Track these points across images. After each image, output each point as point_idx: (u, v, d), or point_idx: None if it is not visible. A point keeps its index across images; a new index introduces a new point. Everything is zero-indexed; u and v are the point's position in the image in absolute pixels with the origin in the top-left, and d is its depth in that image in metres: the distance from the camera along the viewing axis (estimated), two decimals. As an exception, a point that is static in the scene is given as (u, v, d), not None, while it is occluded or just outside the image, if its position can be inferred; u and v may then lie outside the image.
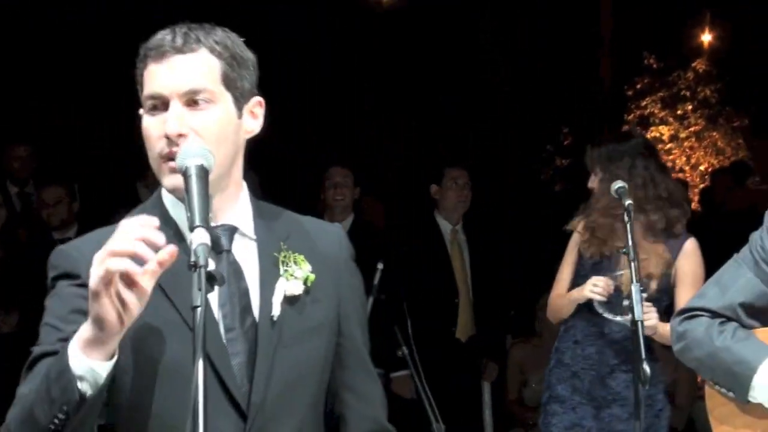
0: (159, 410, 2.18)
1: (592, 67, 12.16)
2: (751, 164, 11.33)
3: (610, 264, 4.69)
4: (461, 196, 6.74)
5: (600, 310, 4.60)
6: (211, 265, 1.98)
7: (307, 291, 2.30)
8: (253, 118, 2.34)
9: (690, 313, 3.16)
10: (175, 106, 2.21)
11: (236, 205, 2.33)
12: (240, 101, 2.29)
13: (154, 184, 2.36)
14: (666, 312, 4.51)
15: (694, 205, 11.42)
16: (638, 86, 13.67)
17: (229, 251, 2.27)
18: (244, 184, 2.37)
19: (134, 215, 2.15)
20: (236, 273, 2.28)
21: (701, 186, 12.63)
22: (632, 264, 4.12)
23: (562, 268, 4.91)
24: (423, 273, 6.59)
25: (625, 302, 4.19)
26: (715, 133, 13.64)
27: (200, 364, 1.91)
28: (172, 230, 2.25)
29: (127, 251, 1.97)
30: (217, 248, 2.21)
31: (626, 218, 4.20)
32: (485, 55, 12.50)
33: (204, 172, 2.13)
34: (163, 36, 2.26)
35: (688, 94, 13.62)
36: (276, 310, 2.26)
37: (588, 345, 4.70)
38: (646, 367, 3.99)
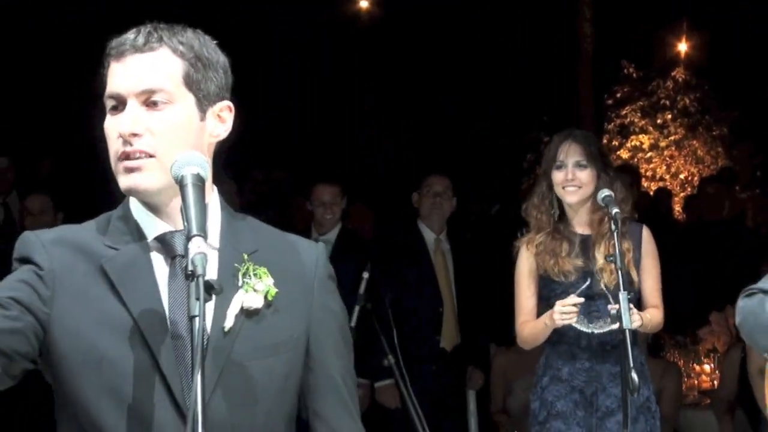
0: (91, 402, 2.11)
1: (571, 76, 12.16)
2: (736, 170, 11.36)
3: (565, 276, 4.63)
4: (435, 204, 6.70)
5: (579, 327, 4.56)
6: (210, 275, 1.96)
7: (268, 305, 2.21)
8: (220, 122, 2.27)
9: (749, 291, 3.41)
10: (132, 105, 2.17)
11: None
12: (204, 103, 2.23)
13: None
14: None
15: (677, 213, 11.45)
16: (618, 95, 13.71)
17: (183, 257, 2.13)
18: (215, 191, 2.30)
19: (109, 215, 2.23)
20: None
21: (681, 194, 12.68)
22: (619, 272, 4.10)
23: (519, 292, 4.74)
24: (407, 282, 6.56)
25: (612, 311, 4.16)
26: (695, 142, 13.66)
27: (198, 377, 1.87)
28: (132, 230, 2.23)
29: None
30: (171, 253, 2.20)
31: (613, 227, 4.18)
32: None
33: (200, 181, 2.08)
34: (127, 35, 2.21)
35: (667, 103, 13.65)
36: (229, 322, 2.17)
37: (585, 359, 4.61)
38: (635, 376, 3.99)
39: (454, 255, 6.75)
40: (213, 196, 2.28)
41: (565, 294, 4.56)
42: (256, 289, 2.20)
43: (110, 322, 2.13)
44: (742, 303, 3.43)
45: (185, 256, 2.02)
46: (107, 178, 2.26)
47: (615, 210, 4.21)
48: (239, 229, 2.30)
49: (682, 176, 13.46)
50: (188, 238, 1.98)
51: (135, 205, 2.25)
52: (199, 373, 1.87)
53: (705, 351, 7.00)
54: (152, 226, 2.23)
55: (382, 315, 5.85)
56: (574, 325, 4.51)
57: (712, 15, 12.64)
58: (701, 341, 7.03)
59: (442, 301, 6.63)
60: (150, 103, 2.16)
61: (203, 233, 1.99)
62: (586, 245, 4.63)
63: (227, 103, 2.28)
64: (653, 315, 4.54)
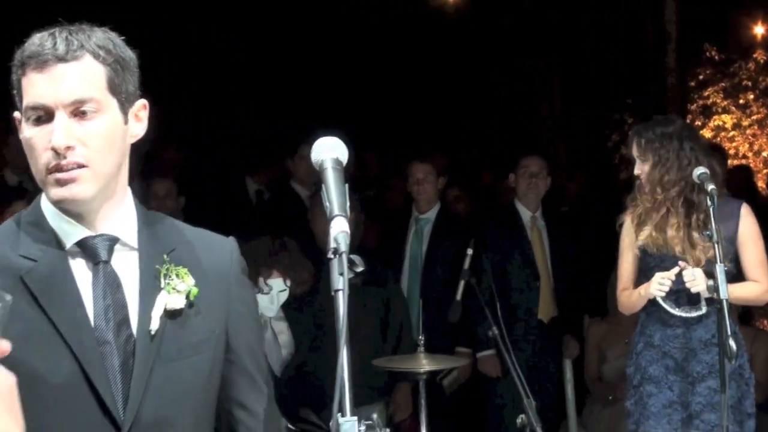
0: (24, 417, 1.94)
1: (657, 60, 12.04)
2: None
3: (668, 252, 4.65)
4: (531, 184, 6.72)
5: (664, 306, 4.59)
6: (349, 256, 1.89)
7: (190, 305, 2.16)
8: (138, 121, 2.18)
9: None
10: (61, 117, 2.04)
11: (120, 214, 2.17)
12: (125, 106, 2.13)
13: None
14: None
15: (761, 189, 11.30)
16: (700, 77, 13.54)
17: (106, 262, 2.12)
18: (129, 191, 2.21)
19: (15, 221, 2.10)
20: (113, 285, 2.12)
21: (764, 171, 12.53)
22: (716, 246, 4.12)
23: (621, 262, 4.83)
24: (506, 258, 6.61)
25: (710, 282, 4.19)
26: (776, 121, 13.47)
27: (344, 352, 1.82)
28: (49, 238, 2.12)
29: None
30: (93, 259, 2.12)
31: (709, 202, 4.20)
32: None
33: (339, 165, 2.06)
34: (42, 42, 2.07)
35: (749, 83, 13.45)
36: (155, 324, 2.11)
37: (676, 326, 4.65)
38: (732, 344, 4.01)
39: (549, 232, 6.78)
40: (127, 196, 2.20)
41: (657, 267, 4.60)
42: (178, 290, 2.14)
43: (36, 336, 2.03)
44: None
45: (103, 261, 2.05)
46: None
47: (711, 186, 4.23)
48: (156, 228, 2.22)
49: (765, 154, 13.28)
50: (331, 218, 1.96)
51: (50, 211, 2.14)
52: (344, 348, 1.81)
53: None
54: (72, 233, 2.12)
55: (487, 288, 5.94)
56: (661, 303, 4.55)
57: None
58: (790, 310, 6.99)
59: (539, 275, 6.66)
60: (79, 113, 2.05)
61: (344, 213, 1.97)
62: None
63: (143, 101, 2.19)
64: (751, 289, 4.54)
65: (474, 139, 13.21)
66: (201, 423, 2.21)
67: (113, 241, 2.14)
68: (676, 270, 4.51)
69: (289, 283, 4.90)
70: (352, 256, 1.93)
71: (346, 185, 2.05)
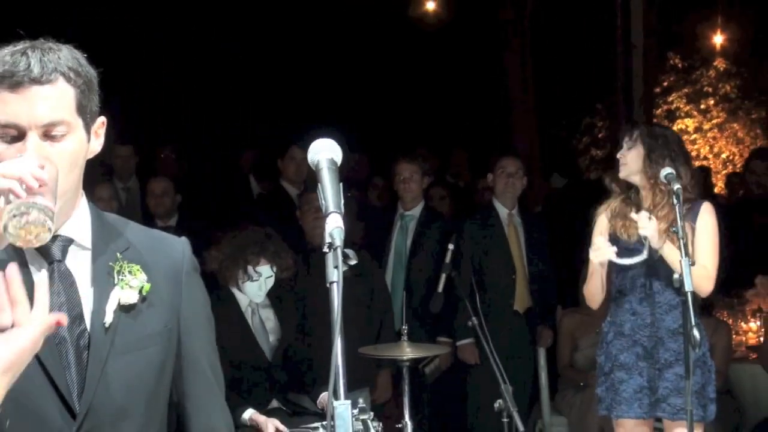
0: None
1: (627, 68, 12.07)
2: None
3: (629, 237, 4.67)
4: (508, 184, 6.73)
5: (619, 262, 4.60)
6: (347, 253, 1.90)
7: (143, 299, 2.14)
8: (97, 138, 2.14)
9: None
10: (33, 137, 2.00)
11: (74, 217, 2.14)
12: (89, 125, 2.10)
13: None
14: None
15: (718, 189, 11.36)
16: (665, 84, 13.61)
17: (60, 261, 2.09)
18: (83, 197, 2.17)
19: None
20: (66, 283, 2.10)
21: (723, 172, 12.61)
22: (681, 242, 4.14)
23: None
24: (485, 252, 6.61)
25: (675, 276, 4.19)
26: (735, 125, 13.54)
27: (339, 341, 1.85)
28: (19, 258, 2.06)
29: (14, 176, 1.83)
30: (48, 258, 2.09)
31: (675, 201, 4.21)
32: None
33: (334, 165, 2.07)
34: (15, 61, 2.01)
35: (710, 90, 13.52)
36: (109, 318, 2.09)
37: (645, 315, 4.66)
38: (696, 333, 4.03)
39: (525, 228, 6.79)
40: (81, 201, 2.16)
41: (623, 252, 4.63)
42: (131, 285, 2.13)
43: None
44: None
45: (57, 260, 2.04)
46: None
47: (677, 186, 4.25)
48: (110, 229, 2.20)
49: (723, 156, 13.36)
50: (326, 214, 1.97)
51: None
52: (339, 337, 1.86)
53: (751, 311, 6.98)
54: None
55: (467, 281, 5.93)
56: (613, 261, 4.55)
57: (744, 8, 12.49)
58: (748, 302, 7.01)
59: (515, 268, 6.67)
60: (50, 135, 2.02)
61: (339, 210, 1.98)
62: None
63: (102, 119, 2.16)
64: (696, 271, 4.44)
65: (454, 140, 13.21)
66: (153, 414, 2.19)
67: (68, 242, 2.12)
68: (604, 235, 4.61)
69: (275, 269, 4.93)
70: (346, 250, 1.93)
71: (341, 184, 2.05)
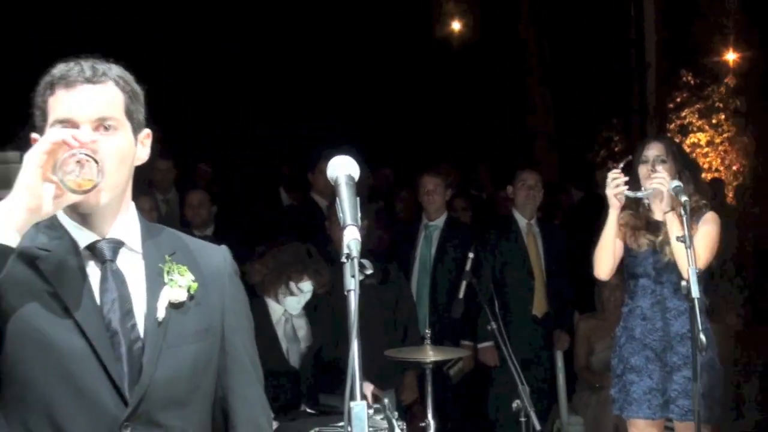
0: (39, 382, 2.06)
1: (641, 84, 12.05)
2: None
3: (639, 247, 4.69)
4: (528, 196, 6.78)
5: (632, 195, 4.62)
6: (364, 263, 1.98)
7: (191, 298, 2.21)
8: (143, 146, 2.23)
9: None
10: (86, 128, 2.10)
11: (125, 222, 2.22)
12: (136, 131, 2.19)
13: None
14: None
15: (729, 199, 11.32)
16: (678, 100, 13.57)
17: (112, 261, 2.17)
18: (133, 205, 2.26)
19: (34, 227, 2.06)
20: (118, 281, 2.17)
21: (734, 183, 12.56)
22: (688, 251, 4.15)
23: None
24: (505, 261, 6.66)
25: (683, 283, 4.21)
26: (745, 138, 13.48)
27: (355, 345, 1.91)
28: (63, 235, 2.17)
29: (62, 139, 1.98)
30: (101, 258, 2.16)
31: (683, 212, 4.22)
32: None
33: (351, 180, 2.12)
34: (70, 68, 2.14)
35: (721, 105, 13.46)
36: (161, 314, 2.16)
37: (656, 320, 4.68)
38: (703, 337, 4.05)
39: (543, 237, 6.83)
40: (131, 207, 2.25)
41: (634, 261, 4.65)
42: (180, 285, 2.20)
43: (49, 313, 2.08)
44: None
45: (109, 260, 2.11)
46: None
47: (684, 198, 4.26)
48: (157, 236, 2.27)
49: (734, 168, 13.30)
50: (344, 227, 2.02)
51: (64, 219, 2.19)
52: (355, 342, 1.94)
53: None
54: (82, 237, 2.17)
55: (486, 288, 5.96)
56: (627, 195, 4.56)
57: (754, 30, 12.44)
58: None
59: (533, 275, 6.71)
60: (101, 128, 2.11)
61: (356, 223, 2.03)
62: (659, 226, 4.68)
63: (148, 131, 2.24)
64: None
65: (477, 153, 13.23)
66: (198, 406, 2.24)
67: (119, 244, 2.19)
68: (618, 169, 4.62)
69: (314, 285, 4.94)
70: (362, 261, 2.00)
71: (357, 198, 2.10)
